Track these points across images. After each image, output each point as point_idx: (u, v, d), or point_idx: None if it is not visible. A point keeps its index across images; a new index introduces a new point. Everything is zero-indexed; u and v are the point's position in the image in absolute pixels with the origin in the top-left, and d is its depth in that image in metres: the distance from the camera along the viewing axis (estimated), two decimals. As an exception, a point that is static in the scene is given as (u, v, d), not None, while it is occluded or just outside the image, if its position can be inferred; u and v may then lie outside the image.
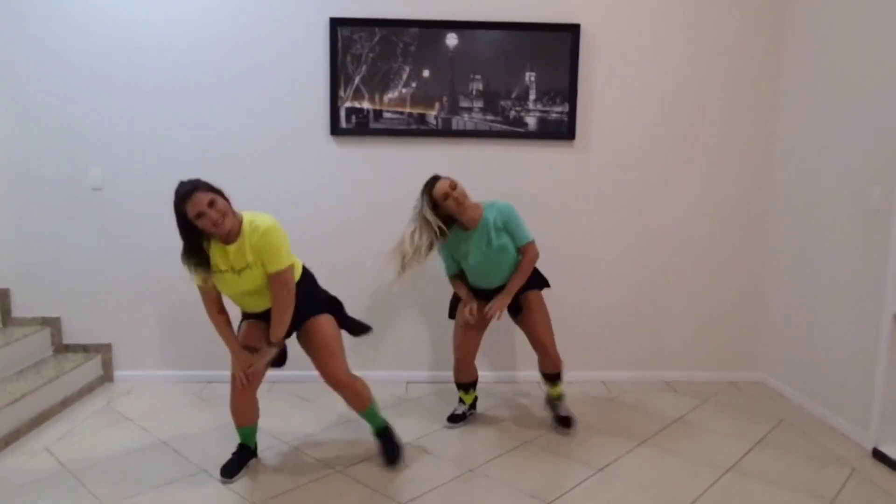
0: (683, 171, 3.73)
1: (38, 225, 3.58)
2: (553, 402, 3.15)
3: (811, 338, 3.40)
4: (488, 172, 3.63)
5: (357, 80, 3.57)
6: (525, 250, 2.93)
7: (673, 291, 3.82)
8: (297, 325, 2.64)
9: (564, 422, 3.08)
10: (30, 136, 3.52)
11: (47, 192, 3.57)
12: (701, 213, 3.77)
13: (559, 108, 3.64)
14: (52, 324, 3.64)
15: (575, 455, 2.85)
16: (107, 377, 3.70)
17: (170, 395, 3.51)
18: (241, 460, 2.66)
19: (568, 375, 3.75)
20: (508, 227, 2.90)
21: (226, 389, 3.46)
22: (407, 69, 3.58)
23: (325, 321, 2.64)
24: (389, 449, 2.72)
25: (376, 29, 3.53)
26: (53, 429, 3.05)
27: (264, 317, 2.62)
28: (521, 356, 3.79)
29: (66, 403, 3.31)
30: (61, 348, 3.66)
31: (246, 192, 3.59)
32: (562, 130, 3.64)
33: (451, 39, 3.57)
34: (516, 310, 3.07)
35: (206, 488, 2.51)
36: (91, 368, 3.58)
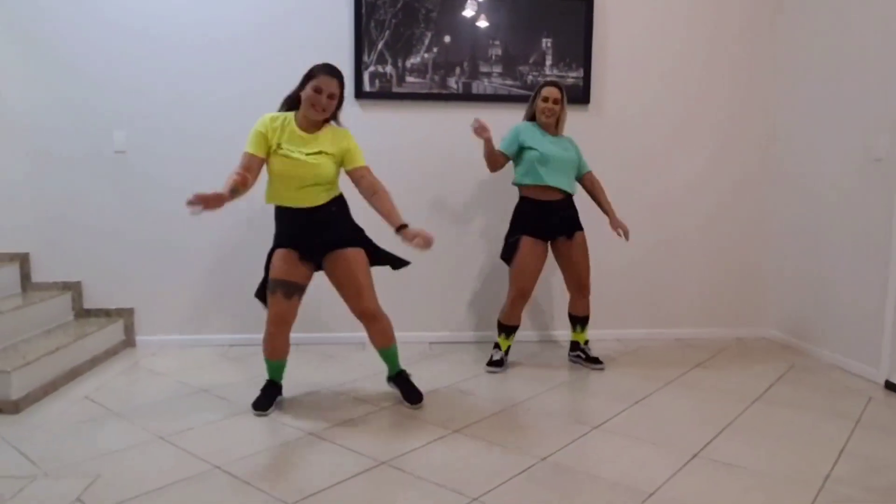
0: (693, 133, 3.90)
1: (59, 187, 3.56)
2: (581, 346, 3.32)
3: (818, 288, 3.58)
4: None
5: (380, 44, 3.66)
6: (591, 177, 3.34)
7: (683, 251, 3.97)
8: (327, 250, 2.62)
9: (596, 361, 3.27)
10: (52, 95, 3.51)
11: (69, 152, 3.56)
12: (709, 174, 3.94)
13: (574, 74, 3.79)
14: (73, 288, 3.61)
15: (610, 391, 2.96)
16: (129, 342, 3.68)
17: (196, 355, 3.51)
18: (272, 395, 2.70)
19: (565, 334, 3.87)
20: (578, 153, 3.31)
21: (250, 351, 3.53)
22: (429, 35, 3.69)
23: (357, 252, 2.65)
24: (411, 390, 2.77)
25: (399, -5, 3.64)
26: (87, 382, 3.03)
27: (300, 229, 2.59)
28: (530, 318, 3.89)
29: (94, 362, 3.29)
30: (82, 313, 3.63)
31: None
32: (577, 95, 3.78)
33: (472, 6, 3.69)
34: (563, 245, 3.23)
35: (259, 422, 2.54)
36: (113, 333, 3.55)
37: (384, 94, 3.69)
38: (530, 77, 3.76)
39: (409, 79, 3.70)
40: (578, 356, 3.36)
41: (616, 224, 3.29)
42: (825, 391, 3.00)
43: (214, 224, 3.66)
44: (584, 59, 3.77)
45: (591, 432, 2.48)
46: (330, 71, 2.56)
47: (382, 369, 2.91)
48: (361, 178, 2.63)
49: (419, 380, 2.87)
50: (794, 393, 2.97)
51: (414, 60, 3.70)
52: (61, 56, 3.50)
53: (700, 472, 2.14)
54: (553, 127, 3.24)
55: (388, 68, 3.68)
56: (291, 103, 2.66)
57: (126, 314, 3.67)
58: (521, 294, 3.17)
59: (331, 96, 2.54)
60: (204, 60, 3.59)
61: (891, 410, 2.76)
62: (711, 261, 4.01)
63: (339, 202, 2.70)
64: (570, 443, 2.37)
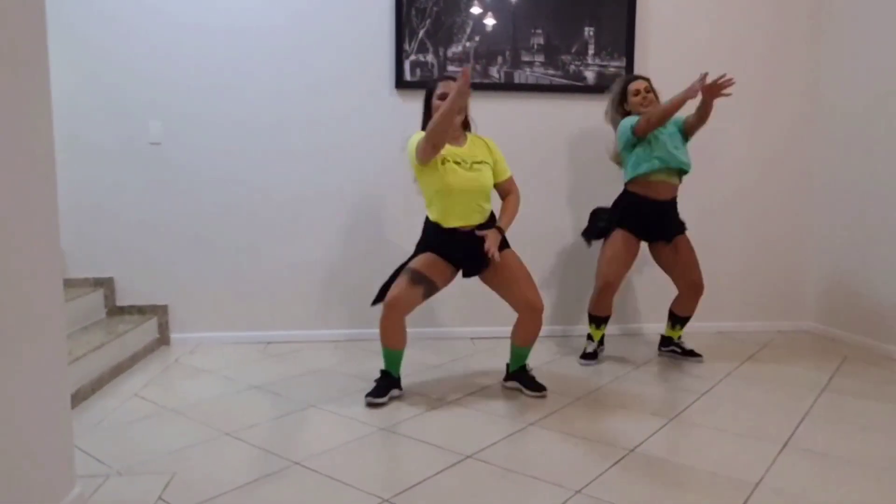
0: (737, 125, 3.86)
1: (92, 179, 3.44)
2: (675, 341, 3.33)
3: (867, 281, 3.55)
4: (549, 125, 3.71)
5: (421, 33, 3.58)
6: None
7: (723, 245, 3.92)
8: (488, 259, 2.59)
9: (693, 353, 3.27)
10: (86, 82, 3.40)
11: (102, 142, 3.44)
12: (752, 167, 3.90)
13: (617, 63, 3.73)
14: (106, 284, 3.48)
15: (674, 383, 2.90)
16: (163, 340, 3.55)
17: (236, 352, 3.40)
18: (387, 386, 2.61)
19: (629, 328, 3.83)
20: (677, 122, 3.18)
21: (291, 348, 3.44)
22: (470, 23, 3.61)
23: (512, 252, 2.71)
24: (533, 381, 2.72)
25: (440, -17, 3.57)
26: (132, 380, 2.92)
27: (449, 246, 2.62)
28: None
29: (134, 360, 3.17)
30: (115, 310, 3.50)
31: (310, 143, 3.57)
32: (619, 85, 3.73)
33: (514, -6, 3.63)
34: (667, 240, 3.18)
35: (328, 418, 2.44)
36: (147, 330, 3.43)
37: (425, 83, 3.59)
38: (572, 67, 3.70)
39: (451, 68, 3.62)
40: (674, 350, 3.33)
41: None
42: (888, 381, 2.96)
43: (249, 218, 3.56)
44: (627, 49, 3.72)
45: (669, 423, 2.41)
46: (446, 77, 2.69)
47: (431, 366, 2.79)
48: (508, 192, 2.76)
49: (479, 372, 2.78)
50: (860, 383, 2.92)
51: (455, 49, 3.62)
52: (95, 43, 3.38)
53: (798, 462, 2.07)
54: None
55: (430, 57, 3.61)
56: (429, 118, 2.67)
57: (160, 311, 3.55)
58: (602, 290, 3.12)
59: None
60: (241, 49, 3.50)
61: (961, 398, 2.72)
62: (752, 254, 3.97)
63: (493, 218, 2.73)
64: (652, 434, 2.29)
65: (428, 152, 2.47)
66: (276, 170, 3.57)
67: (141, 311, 3.53)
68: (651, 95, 3.10)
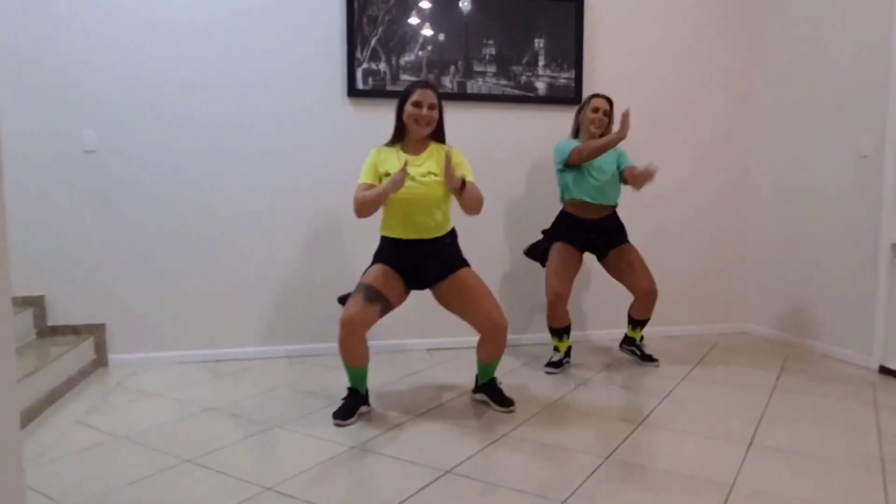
0: (681, 133, 4.01)
1: (19, 190, 3.19)
2: (636, 342, 3.40)
3: (804, 283, 3.74)
4: (502, 135, 3.72)
5: (373, 41, 3.53)
6: (632, 170, 3.13)
7: (668, 250, 4.05)
8: (443, 276, 2.58)
9: (651, 358, 3.36)
10: (10, 86, 3.15)
11: (32, 152, 3.19)
12: (696, 173, 4.05)
13: (566, 75, 3.79)
14: (35, 303, 3.23)
15: (634, 388, 2.95)
16: (101, 361, 3.32)
17: (183, 373, 3.21)
18: (354, 404, 2.52)
19: (577, 335, 3.87)
20: (622, 157, 3.25)
21: (243, 366, 3.29)
22: (422, 32, 3.59)
23: (470, 270, 2.63)
24: (501, 395, 2.68)
25: (392, -10, 3.53)
26: (71, 407, 2.70)
27: (404, 258, 2.57)
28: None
29: (70, 384, 2.94)
30: (46, 331, 3.25)
31: (262, 152, 3.45)
32: (569, 96, 3.79)
33: (465, 4, 3.63)
34: (609, 253, 3.28)
35: (294, 438, 2.33)
36: (83, 352, 3.19)
37: (378, 92, 3.56)
38: (524, 77, 3.73)
39: (404, 77, 3.58)
40: (633, 351, 3.41)
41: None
42: (830, 378, 3.12)
43: (192, 229, 3.40)
44: (576, 61, 3.79)
45: (638, 428, 2.44)
46: (424, 83, 2.56)
47: (391, 380, 2.73)
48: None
49: (435, 387, 2.74)
50: (805, 381, 3.07)
51: (408, 58, 3.58)
52: (20, 41, 3.14)
53: (766, 461, 2.13)
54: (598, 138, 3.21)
55: (382, 66, 3.55)
56: (397, 134, 2.65)
57: (97, 331, 3.31)
58: (553, 303, 3.17)
59: (431, 107, 2.53)
60: (180, 48, 3.33)
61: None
62: (696, 259, 4.11)
63: (452, 234, 2.68)
64: (624, 440, 2.32)
65: (359, 216, 2.49)
66: (221, 179, 3.42)
67: (76, 331, 3.29)
68: (606, 119, 3.20)
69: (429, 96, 2.52)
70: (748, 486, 1.94)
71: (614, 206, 3.27)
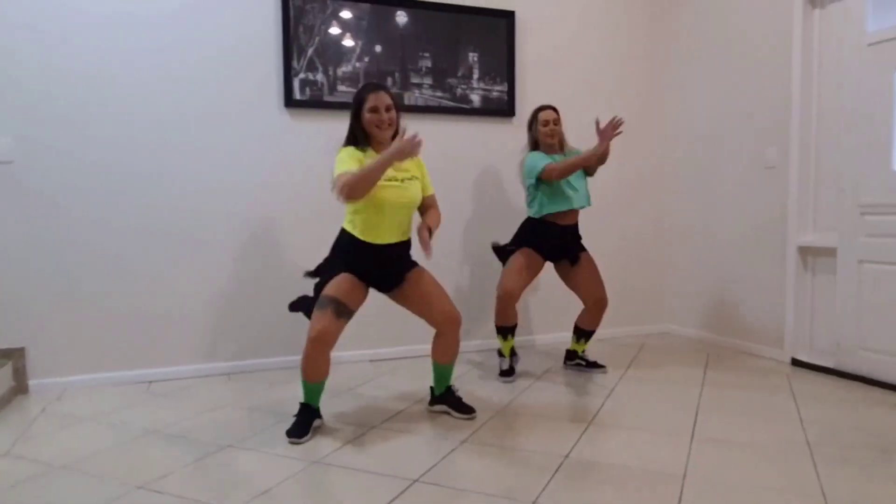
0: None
1: (-77, 206, 2.93)
2: (579, 354, 3.48)
3: (719, 284, 4.02)
4: (438, 146, 3.77)
5: (310, 51, 3.50)
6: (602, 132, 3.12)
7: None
8: (401, 277, 2.61)
9: (597, 365, 3.45)
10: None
11: (-64, 165, 2.94)
12: (614, 178, 4.26)
13: (500, 88, 3.91)
14: (-57, 328, 2.96)
15: (577, 388, 3.07)
16: (20, 388, 3.09)
17: (115, 395, 3.04)
18: (309, 420, 2.47)
19: (521, 340, 3.98)
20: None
21: (177, 386, 3.18)
22: (359, 44, 3.59)
23: (425, 270, 2.68)
24: (460, 402, 2.72)
25: (328, 1, 3.51)
26: (-6, 438, 2.50)
27: (376, 264, 2.56)
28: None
29: (-11, 414, 2.72)
30: (-45, 357, 2.99)
31: (196, 162, 3.33)
32: (502, 108, 3.91)
33: (401, 17, 3.67)
34: (570, 261, 3.34)
35: (248, 457, 2.26)
36: (0, 379, 2.96)
37: (316, 102, 3.52)
38: (459, 90, 3.81)
39: (341, 87, 3.57)
40: (579, 364, 3.46)
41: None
42: (750, 372, 3.37)
43: (118, 244, 3.24)
44: (508, 74, 3.91)
45: (588, 428, 2.54)
46: (374, 87, 2.54)
47: (339, 391, 2.70)
48: (430, 206, 2.70)
49: (384, 398, 2.74)
50: (729, 376, 3.30)
51: (345, 69, 3.58)
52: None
53: (709, 451, 2.28)
54: (557, 147, 3.31)
55: (319, 76, 3.53)
56: (353, 141, 2.56)
57: (15, 355, 3.08)
58: (504, 299, 3.24)
59: (388, 108, 2.52)
60: (104, 50, 3.17)
61: (810, 383, 3.16)
62: (616, 263, 4.32)
63: (408, 244, 2.69)
64: (578, 439, 2.41)
65: (351, 198, 2.35)
66: (150, 190, 3.27)
67: (-10, 356, 3.04)
68: (558, 128, 3.27)
69: (383, 98, 2.50)
70: (698, 476, 2.07)
71: (579, 209, 3.32)
